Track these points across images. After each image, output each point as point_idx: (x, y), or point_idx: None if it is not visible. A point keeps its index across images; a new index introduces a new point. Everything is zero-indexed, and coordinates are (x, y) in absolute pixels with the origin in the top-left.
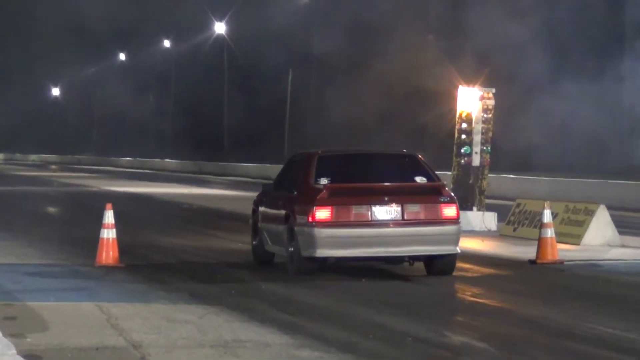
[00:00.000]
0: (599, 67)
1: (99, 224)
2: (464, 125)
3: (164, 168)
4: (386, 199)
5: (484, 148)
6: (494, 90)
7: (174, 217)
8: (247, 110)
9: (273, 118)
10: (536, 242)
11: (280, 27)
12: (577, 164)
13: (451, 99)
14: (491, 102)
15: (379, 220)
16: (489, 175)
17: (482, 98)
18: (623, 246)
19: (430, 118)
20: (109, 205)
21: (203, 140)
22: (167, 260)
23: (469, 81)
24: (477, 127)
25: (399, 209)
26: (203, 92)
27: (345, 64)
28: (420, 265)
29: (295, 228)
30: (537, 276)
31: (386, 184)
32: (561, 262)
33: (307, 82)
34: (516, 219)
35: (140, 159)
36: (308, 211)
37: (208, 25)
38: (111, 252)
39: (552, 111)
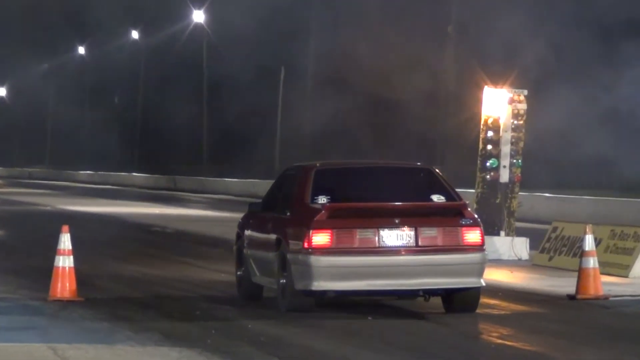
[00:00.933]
0: (598, 69)
1: (53, 249)
2: (490, 133)
3: (131, 183)
4: (397, 221)
5: (514, 161)
6: (525, 92)
7: (143, 242)
8: (231, 117)
9: (261, 126)
10: (576, 274)
11: (269, 25)
12: (583, 179)
13: (475, 102)
14: (523, 107)
15: (388, 247)
16: (520, 193)
17: (511, 101)
18: None
19: (450, 126)
20: (65, 228)
21: (178, 151)
22: (134, 294)
23: (495, 81)
24: (506, 136)
25: (412, 233)
26: (178, 94)
27: (342, 62)
28: (437, 300)
29: (288, 256)
30: (577, 314)
31: (397, 203)
32: (606, 298)
33: (300, 85)
34: (552, 246)
35: (103, 172)
36: (303, 235)
37: (184, 16)
38: (67, 284)
39: (547, 117)
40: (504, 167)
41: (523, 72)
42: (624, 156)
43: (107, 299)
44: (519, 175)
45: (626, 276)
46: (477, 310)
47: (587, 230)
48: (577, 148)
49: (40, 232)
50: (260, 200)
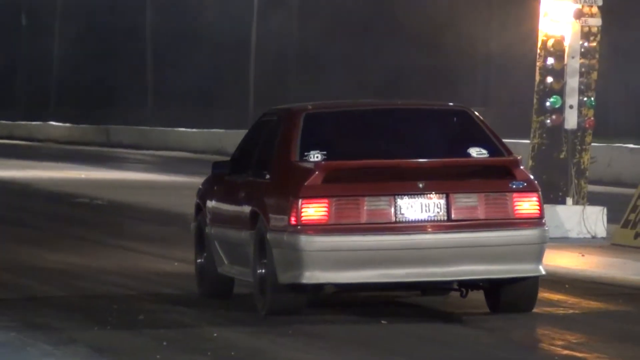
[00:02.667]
0: None
1: None
2: (551, 60)
3: (48, 137)
4: (421, 185)
5: (585, 99)
6: (600, 1)
7: (64, 220)
8: (185, 45)
9: (229, 57)
10: None
11: None
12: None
13: (529, 16)
14: (596, 22)
15: (409, 222)
16: (593, 144)
17: (580, 15)
18: None
19: (495, 51)
20: None
21: (112, 92)
22: (54, 292)
23: None
24: (573, 64)
25: (443, 202)
26: (113, 13)
27: None
28: (478, 296)
29: (269, 236)
30: None
31: (420, 160)
32: None
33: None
34: (639, 219)
35: (6, 121)
36: (289, 207)
37: None
38: None
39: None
40: (571, 107)
41: None
42: None
43: (15, 300)
44: (592, 119)
45: None
46: (535, 310)
47: None
48: None
49: None
50: (228, 159)
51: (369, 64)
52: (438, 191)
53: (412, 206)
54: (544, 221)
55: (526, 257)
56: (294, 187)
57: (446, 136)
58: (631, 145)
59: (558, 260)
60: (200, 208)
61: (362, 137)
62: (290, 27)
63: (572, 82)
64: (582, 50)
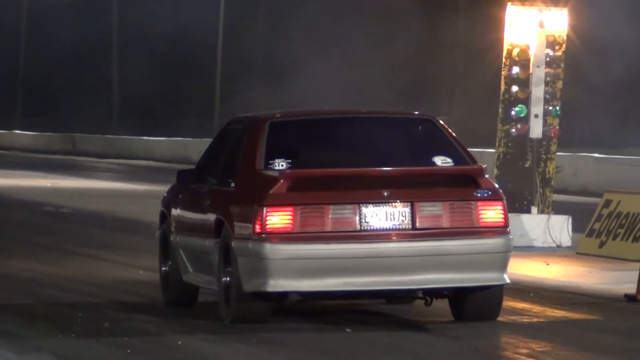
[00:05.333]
0: None
1: None
2: (516, 69)
3: (13, 145)
4: (385, 194)
5: (551, 108)
6: (565, 10)
7: (29, 228)
8: (150, 52)
9: (194, 65)
10: (637, 266)
11: None
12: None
13: (494, 25)
14: (561, 33)
15: (374, 230)
16: (559, 153)
17: (545, 25)
18: None
19: (460, 60)
20: None
21: (76, 99)
22: (17, 300)
23: None
24: (538, 73)
25: (408, 210)
26: (78, 21)
27: None
28: (443, 304)
29: (233, 244)
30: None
31: (385, 168)
32: None
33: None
34: (604, 227)
35: None
36: (254, 215)
37: None
38: None
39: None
40: (536, 116)
41: None
42: None
43: None
44: (557, 128)
45: None
46: (499, 318)
47: None
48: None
49: None
50: (193, 167)
51: (337, 72)
52: (403, 199)
53: (376, 214)
54: (508, 230)
55: (491, 265)
56: (259, 195)
57: (411, 145)
58: (597, 155)
59: (523, 269)
60: (165, 216)
61: (327, 145)
62: (256, 34)
63: (538, 91)
64: (548, 59)
